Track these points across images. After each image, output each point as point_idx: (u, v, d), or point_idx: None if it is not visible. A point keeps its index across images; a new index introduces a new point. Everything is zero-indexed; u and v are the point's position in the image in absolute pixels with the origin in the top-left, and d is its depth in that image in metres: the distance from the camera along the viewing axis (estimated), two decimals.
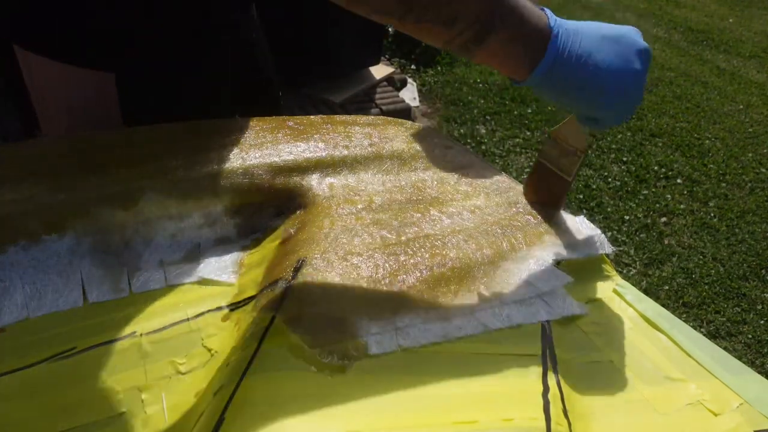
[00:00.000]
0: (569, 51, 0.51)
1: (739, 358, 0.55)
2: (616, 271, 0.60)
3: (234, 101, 0.76)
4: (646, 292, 1.86)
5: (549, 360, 0.48)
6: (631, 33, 0.53)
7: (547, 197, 0.64)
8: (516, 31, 0.50)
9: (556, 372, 0.47)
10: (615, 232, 2.19)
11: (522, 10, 0.50)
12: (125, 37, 0.65)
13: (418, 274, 0.52)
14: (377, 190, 0.63)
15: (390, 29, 3.15)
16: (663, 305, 0.57)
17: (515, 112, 2.88)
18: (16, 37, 0.67)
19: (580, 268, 0.57)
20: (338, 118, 0.74)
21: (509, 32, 0.50)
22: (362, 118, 0.75)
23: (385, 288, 0.51)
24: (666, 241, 2.18)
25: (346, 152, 0.67)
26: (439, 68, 3.19)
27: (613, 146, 2.71)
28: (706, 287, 1.98)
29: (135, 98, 0.68)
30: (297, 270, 0.51)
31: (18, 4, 0.63)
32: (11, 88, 0.73)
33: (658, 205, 2.36)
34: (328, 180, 0.63)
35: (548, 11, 0.53)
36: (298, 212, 0.60)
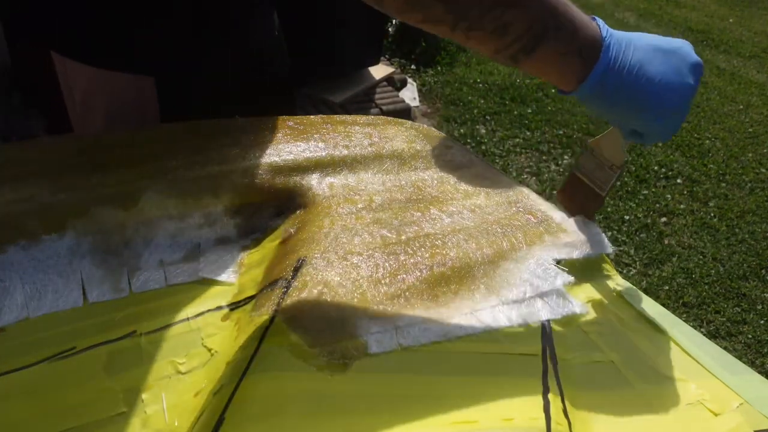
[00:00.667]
0: (621, 63, 0.50)
1: (739, 358, 0.55)
2: (616, 271, 0.60)
3: (255, 102, 0.76)
4: (646, 292, 1.85)
5: (549, 360, 0.48)
6: (685, 47, 0.52)
7: (580, 211, 0.63)
8: (568, 43, 0.49)
9: (556, 372, 0.47)
10: (615, 232, 2.19)
11: (575, 21, 0.49)
12: (163, 40, 0.65)
13: (418, 274, 0.52)
14: (377, 190, 0.63)
15: (390, 29, 3.16)
16: (663, 305, 0.57)
17: (515, 112, 2.88)
18: (53, 42, 0.66)
19: (580, 268, 0.57)
20: (338, 118, 0.74)
21: (561, 43, 0.49)
22: (362, 118, 0.75)
23: (385, 287, 0.51)
24: (666, 241, 2.18)
25: (346, 152, 0.67)
26: (439, 68, 3.19)
27: None
28: (706, 287, 1.98)
29: (175, 101, 0.68)
30: (297, 270, 0.51)
31: (53, 7, 0.63)
32: (38, 94, 0.73)
33: (658, 205, 2.36)
34: (328, 180, 0.63)
35: (600, 21, 0.52)
36: (298, 212, 0.60)
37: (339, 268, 0.52)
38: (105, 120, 0.70)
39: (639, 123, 0.53)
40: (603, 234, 0.61)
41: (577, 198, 0.63)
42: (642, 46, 0.51)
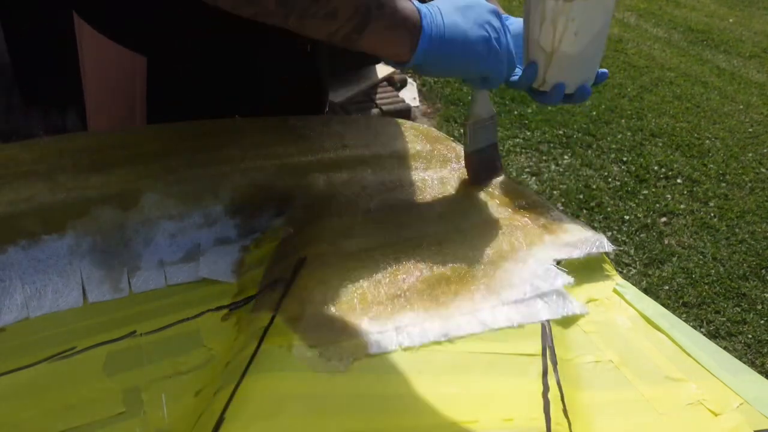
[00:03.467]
0: (437, 26, 0.56)
1: (739, 358, 0.55)
2: (616, 271, 0.60)
3: (274, 103, 0.76)
4: (646, 292, 1.85)
5: (549, 360, 0.48)
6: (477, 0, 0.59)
7: (487, 179, 0.68)
8: (391, 18, 0.54)
9: (556, 372, 0.47)
10: (615, 232, 2.19)
11: None
12: (162, 25, 0.67)
13: (418, 274, 0.52)
14: (377, 190, 0.63)
15: None
16: (663, 305, 0.57)
17: (515, 112, 2.88)
18: (74, 3, 0.70)
19: (580, 268, 0.57)
20: (338, 118, 0.74)
21: (386, 20, 0.54)
22: (362, 118, 0.74)
23: (385, 287, 0.51)
24: (666, 241, 2.18)
25: (346, 152, 0.67)
26: None
27: (613, 146, 2.71)
28: (706, 287, 1.97)
29: (163, 86, 0.70)
30: (297, 270, 0.51)
31: None
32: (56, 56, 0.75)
33: (658, 205, 2.36)
34: (328, 180, 0.63)
35: None
36: (298, 212, 0.60)
37: (339, 268, 0.52)
38: (95, 87, 0.73)
39: (475, 72, 0.59)
40: (603, 234, 0.61)
41: (479, 171, 0.68)
42: (447, 9, 0.57)
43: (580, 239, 0.60)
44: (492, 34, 0.58)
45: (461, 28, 0.57)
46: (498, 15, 0.60)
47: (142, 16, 0.67)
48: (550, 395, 0.45)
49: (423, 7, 0.57)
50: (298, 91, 0.80)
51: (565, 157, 2.61)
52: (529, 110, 2.90)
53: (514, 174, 2.43)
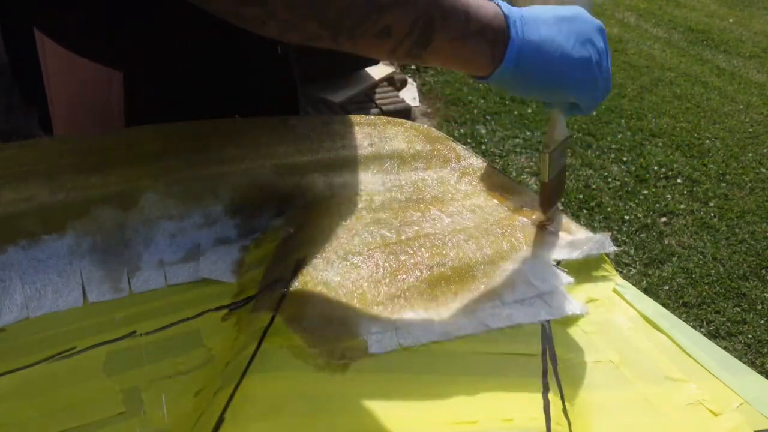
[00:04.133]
0: (531, 38, 0.49)
1: (739, 358, 0.55)
2: (616, 271, 0.60)
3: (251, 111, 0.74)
4: (646, 292, 1.85)
5: (549, 360, 0.48)
6: (582, 11, 0.52)
7: (555, 201, 0.63)
8: (463, 27, 0.48)
9: (556, 372, 0.47)
10: (615, 232, 2.19)
11: (467, 4, 0.48)
12: (137, 35, 0.64)
13: (419, 274, 0.52)
14: (377, 190, 0.63)
15: None
16: (663, 305, 0.57)
17: (515, 112, 2.88)
18: (33, 18, 0.66)
19: (580, 268, 0.57)
20: (338, 118, 0.74)
21: (455, 30, 0.47)
22: (362, 118, 0.75)
23: (385, 287, 0.51)
24: (666, 241, 2.18)
25: (346, 152, 0.67)
26: (439, 68, 3.19)
27: (613, 146, 2.71)
28: (706, 287, 1.98)
29: (140, 100, 0.67)
30: (297, 270, 0.51)
31: None
32: (21, 70, 0.73)
33: (658, 205, 2.36)
34: (328, 180, 0.63)
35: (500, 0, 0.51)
36: (298, 212, 0.60)
37: (339, 268, 0.52)
38: (66, 105, 0.69)
39: (565, 96, 0.53)
40: (603, 234, 0.61)
41: (553, 196, 0.63)
42: (546, 19, 0.50)
43: (580, 239, 0.60)
44: (594, 56, 0.51)
45: (559, 44, 0.49)
46: (603, 33, 0.52)
47: (114, 29, 0.63)
48: (550, 395, 0.45)
49: (514, 12, 0.50)
50: (274, 93, 0.77)
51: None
52: (529, 110, 2.90)
53: (514, 174, 2.43)
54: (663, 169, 2.59)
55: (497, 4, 0.50)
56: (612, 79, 0.55)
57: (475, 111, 2.86)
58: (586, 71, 0.51)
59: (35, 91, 0.73)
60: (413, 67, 3.15)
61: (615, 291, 0.57)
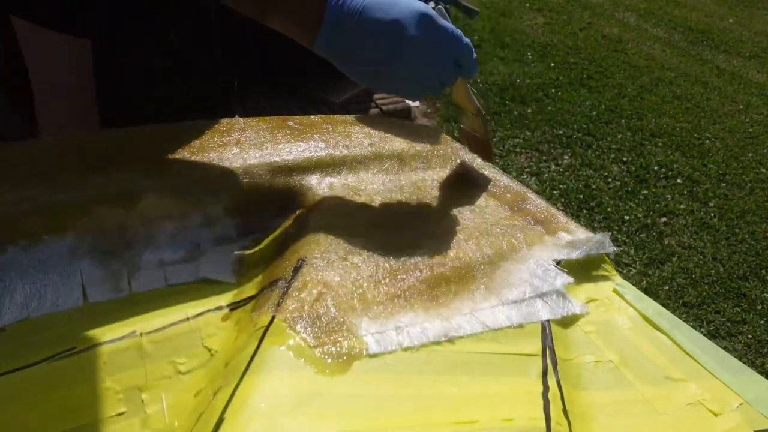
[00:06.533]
0: (348, 7, 0.51)
1: (739, 358, 0.55)
2: (616, 271, 0.60)
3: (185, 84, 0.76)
4: (646, 292, 1.85)
5: (549, 360, 0.48)
6: None
7: (477, 152, 0.73)
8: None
9: (556, 372, 0.47)
10: (615, 232, 2.19)
11: None
12: (107, 9, 0.65)
13: (418, 274, 0.52)
14: (377, 190, 0.63)
15: None
16: (663, 305, 0.57)
17: (515, 112, 2.88)
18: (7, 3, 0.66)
19: (580, 268, 0.57)
20: (338, 118, 0.74)
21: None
22: (362, 118, 0.75)
23: (385, 287, 0.51)
24: (666, 241, 2.18)
25: (346, 152, 0.67)
26: None
27: (613, 146, 2.71)
28: (706, 287, 1.98)
29: (112, 71, 0.68)
30: (297, 270, 0.51)
31: None
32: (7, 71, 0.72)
33: (658, 205, 2.36)
34: (328, 180, 0.63)
35: None
36: (298, 212, 0.60)
37: (339, 268, 0.52)
38: (38, 78, 0.70)
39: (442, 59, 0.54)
40: (603, 234, 0.61)
41: (473, 146, 0.74)
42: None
43: (580, 239, 0.60)
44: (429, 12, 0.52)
45: (382, 11, 0.51)
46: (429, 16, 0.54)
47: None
48: (550, 395, 0.45)
49: None
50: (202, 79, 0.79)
51: (565, 157, 2.61)
52: (529, 110, 2.90)
53: (514, 174, 2.43)
54: (663, 169, 2.59)
55: None
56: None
57: None
58: (430, 24, 0.52)
59: (23, 92, 0.72)
60: None
61: (615, 291, 0.57)
